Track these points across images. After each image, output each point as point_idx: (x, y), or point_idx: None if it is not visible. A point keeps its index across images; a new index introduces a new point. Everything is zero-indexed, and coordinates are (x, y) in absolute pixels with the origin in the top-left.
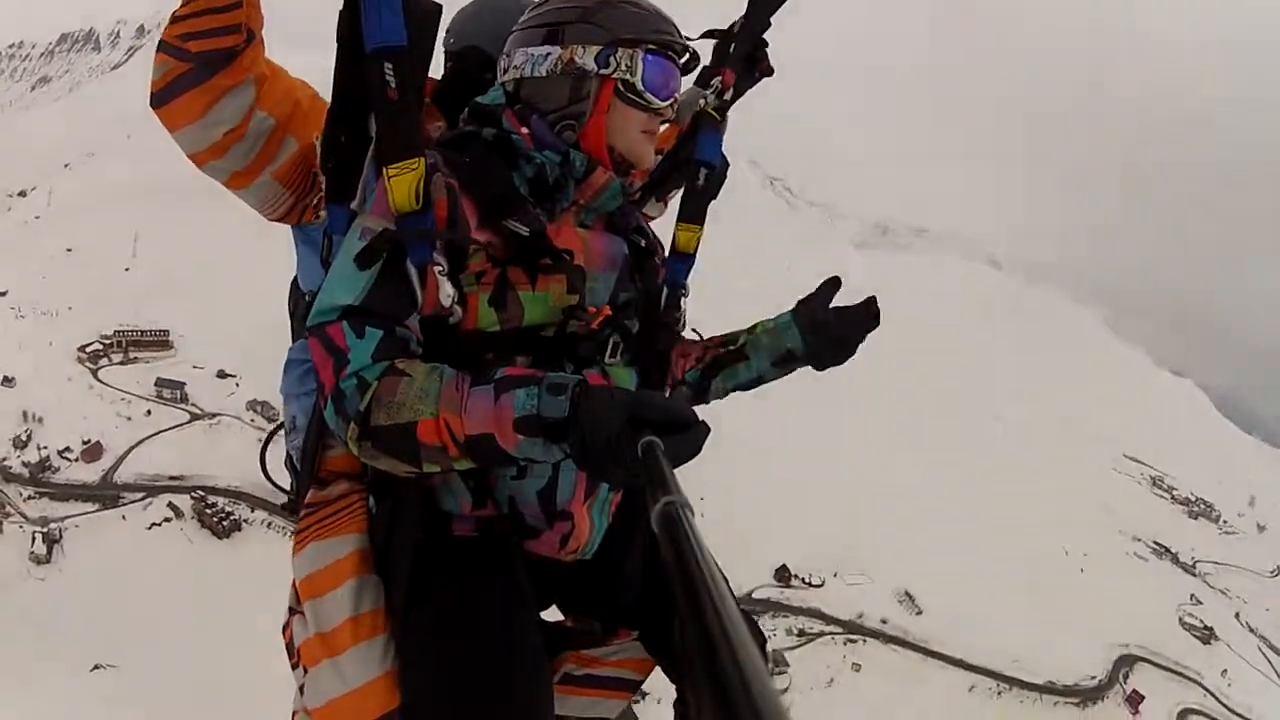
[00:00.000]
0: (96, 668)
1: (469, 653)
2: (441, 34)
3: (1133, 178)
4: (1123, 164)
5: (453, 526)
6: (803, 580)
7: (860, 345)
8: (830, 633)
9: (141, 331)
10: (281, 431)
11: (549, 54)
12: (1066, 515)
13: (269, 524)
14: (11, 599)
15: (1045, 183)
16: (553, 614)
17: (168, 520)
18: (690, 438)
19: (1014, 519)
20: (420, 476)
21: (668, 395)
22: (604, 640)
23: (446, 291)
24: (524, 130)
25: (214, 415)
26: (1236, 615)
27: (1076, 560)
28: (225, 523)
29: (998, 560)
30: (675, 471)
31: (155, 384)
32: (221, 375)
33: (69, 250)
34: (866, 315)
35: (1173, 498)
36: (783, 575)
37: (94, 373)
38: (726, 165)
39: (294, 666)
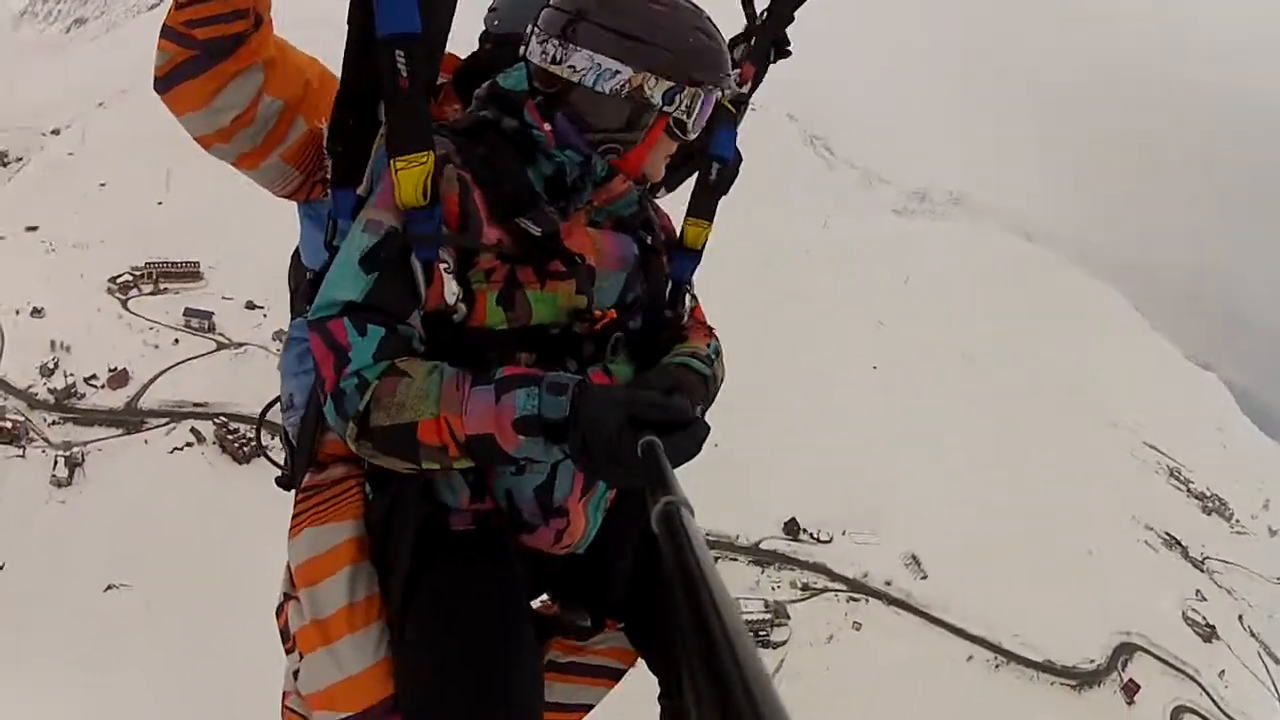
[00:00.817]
0: (110, 587)
1: (463, 644)
2: (481, 9)
3: (1184, 162)
4: (1173, 148)
5: (450, 520)
6: (811, 535)
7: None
8: (834, 589)
9: (172, 263)
10: (277, 406)
11: (618, 73)
12: (1082, 496)
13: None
14: (33, 522)
15: (1087, 161)
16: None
17: (189, 445)
18: (690, 436)
19: (1029, 494)
20: (420, 473)
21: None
22: (592, 630)
23: (451, 289)
24: (546, 127)
25: (240, 345)
26: (1240, 618)
27: (1087, 542)
28: (246, 448)
29: (1008, 533)
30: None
31: (184, 314)
32: (250, 306)
33: (102, 185)
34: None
35: (1189, 491)
36: (791, 529)
37: (123, 303)
38: (740, 160)
39: (288, 651)
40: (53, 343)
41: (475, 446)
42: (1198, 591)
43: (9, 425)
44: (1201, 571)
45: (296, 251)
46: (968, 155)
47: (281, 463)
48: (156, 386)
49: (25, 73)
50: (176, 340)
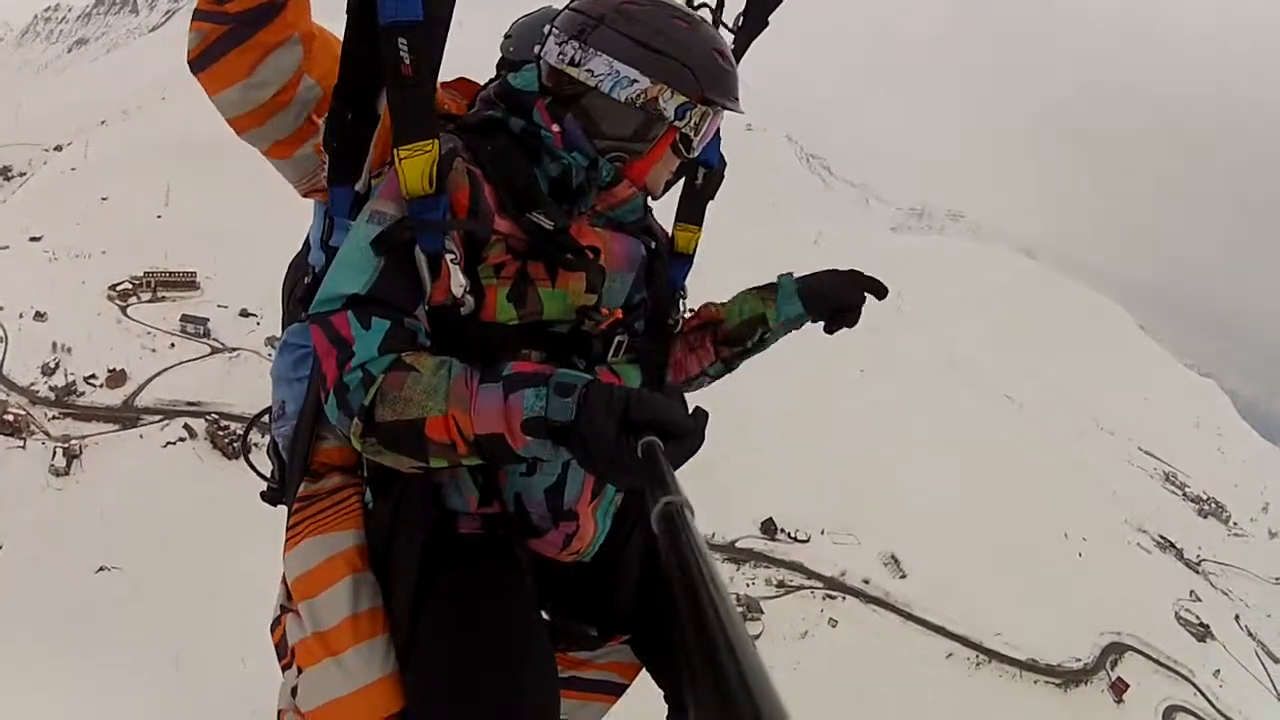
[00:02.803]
0: (102, 569)
1: (478, 655)
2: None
3: (1175, 177)
4: (1164, 163)
5: (458, 524)
6: (789, 535)
7: (861, 309)
8: (810, 586)
9: (170, 273)
10: (266, 416)
11: (635, 82)
12: (1071, 500)
13: None
14: (30, 507)
15: (1089, 176)
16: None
17: (182, 440)
18: (691, 439)
19: (1015, 497)
20: (426, 472)
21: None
22: (596, 644)
23: (459, 281)
24: (555, 128)
25: (234, 349)
26: (1236, 618)
27: (1075, 544)
28: (236, 444)
29: (992, 534)
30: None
31: (180, 319)
32: (244, 314)
33: (104, 199)
34: (867, 283)
35: (1184, 495)
36: (768, 528)
37: (123, 309)
38: (724, 165)
39: (285, 667)
40: (54, 344)
41: (484, 445)
42: (1192, 592)
43: (11, 418)
44: (1196, 573)
45: (295, 258)
46: (969, 173)
47: (267, 474)
48: (152, 386)
49: (29, 90)
50: (173, 344)
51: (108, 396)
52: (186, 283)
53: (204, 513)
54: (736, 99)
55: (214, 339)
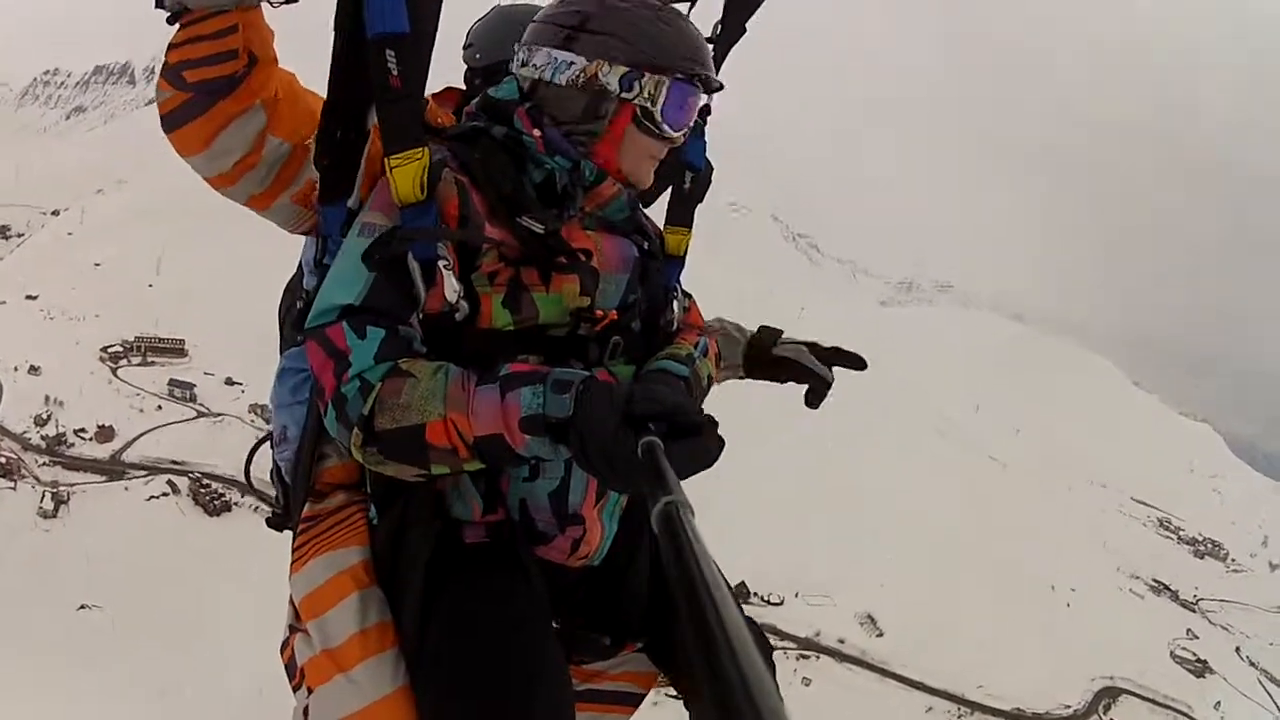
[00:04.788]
0: (83, 607)
1: (490, 668)
2: (459, 47)
3: (1159, 224)
4: (1147, 211)
5: (464, 533)
6: (761, 598)
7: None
8: (783, 647)
9: (160, 339)
10: (268, 444)
11: (572, 63)
12: (1058, 552)
13: (256, 508)
14: (17, 546)
15: (1079, 231)
16: None
17: (165, 495)
18: (699, 442)
19: (998, 554)
20: (429, 479)
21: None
22: (610, 653)
23: (453, 287)
24: (536, 133)
25: (219, 414)
26: (1237, 649)
27: (1063, 595)
28: (217, 502)
29: (973, 591)
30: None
31: (168, 384)
32: (229, 382)
33: (97, 265)
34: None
35: (1179, 538)
36: (740, 592)
37: (114, 371)
38: (711, 169)
39: (295, 688)
40: (47, 397)
41: (485, 447)
42: (1188, 631)
43: (3, 460)
44: (1193, 612)
45: (289, 282)
46: (959, 241)
47: (273, 501)
48: (139, 444)
49: (28, 152)
50: (160, 406)
51: (96, 450)
52: (175, 349)
53: (184, 562)
54: (696, 63)
55: (200, 404)
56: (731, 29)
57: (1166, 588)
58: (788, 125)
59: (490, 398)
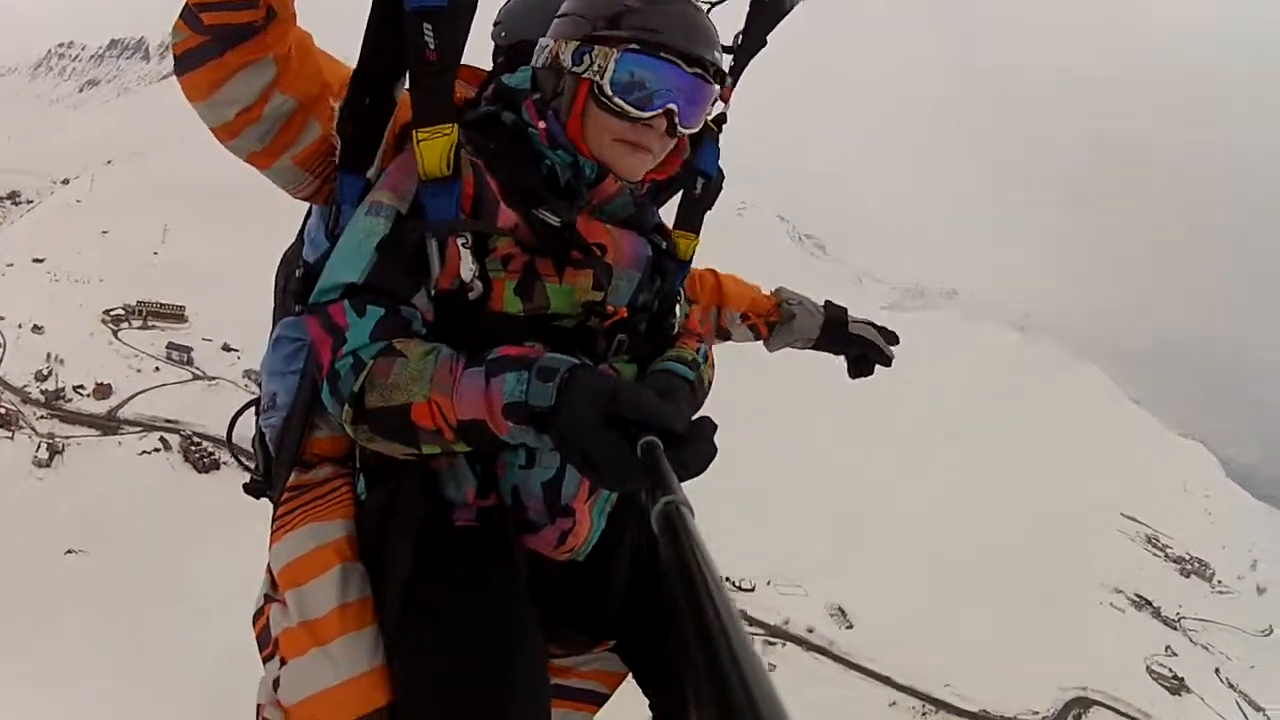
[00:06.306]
0: (70, 551)
1: (469, 649)
2: (490, 26)
3: (1166, 242)
4: (1154, 227)
5: (454, 516)
6: (732, 583)
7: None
8: (750, 633)
9: (161, 304)
10: (252, 409)
11: (546, 47)
12: (1041, 561)
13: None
14: (12, 492)
15: (1085, 242)
16: None
17: (157, 450)
18: (691, 448)
19: (979, 557)
20: (421, 458)
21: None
22: (585, 648)
23: (468, 265)
24: (541, 125)
25: (214, 378)
26: (1216, 671)
27: (1040, 602)
28: (206, 460)
29: (949, 592)
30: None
31: (167, 347)
32: (226, 348)
33: (105, 232)
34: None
35: (1166, 555)
36: None
37: (114, 333)
38: (722, 177)
39: (266, 659)
40: (49, 354)
41: (469, 431)
42: (1167, 648)
43: (2, 411)
44: (1175, 629)
45: (287, 251)
46: (967, 247)
47: (253, 467)
48: (135, 402)
49: (41, 122)
50: (157, 368)
51: (93, 406)
52: (175, 315)
53: (170, 515)
54: (657, 31)
55: (196, 367)
56: (753, 39)
57: (1149, 603)
58: (800, 138)
59: (475, 382)
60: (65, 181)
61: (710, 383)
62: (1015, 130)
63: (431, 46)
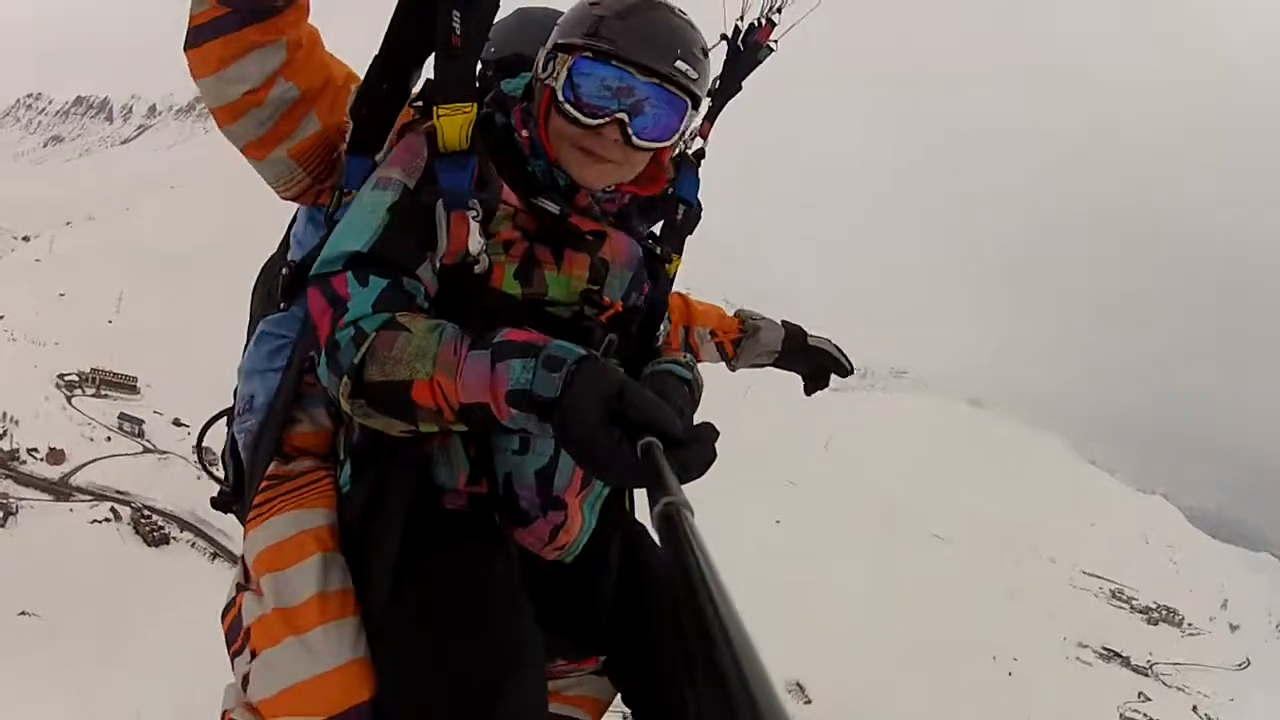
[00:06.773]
0: (22, 614)
1: (458, 641)
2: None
3: (1111, 304)
4: (1097, 291)
5: (444, 500)
6: None
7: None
8: None
9: (114, 374)
10: (223, 420)
11: (535, 60)
12: (1002, 625)
13: (194, 544)
14: None
15: (1036, 308)
16: None
17: (108, 520)
18: (693, 452)
19: (936, 626)
20: (417, 436)
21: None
22: (574, 655)
23: (476, 238)
24: (524, 133)
25: (165, 452)
26: (1194, 708)
27: (1005, 665)
28: (156, 534)
29: (908, 662)
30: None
31: (119, 417)
32: (176, 423)
33: (61, 295)
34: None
35: (1132, 607)
36: None
37: (68, 398)
38: (701, 207)
39: (236, 654)
40: (4, 414)
41: (470, 414)
42: (1140, 694)
43: None
44: (1146, 676)
45: (268, 261)
46: (915, 326)
47: (221, 480)
48: (88, 470)
49: (5, 174)
50: (109, 438)
51: (46, 470)
52: (128, 385)
53: (119, 583)
54: (610, 41)
55: (147, 440)
56: (729, 83)
57: (1117, 654)
58: (740, 217)
59: (480, 366)
60: (26, 239)
61: (701, 387)
62: (952, 200)
63: (458, 32)
